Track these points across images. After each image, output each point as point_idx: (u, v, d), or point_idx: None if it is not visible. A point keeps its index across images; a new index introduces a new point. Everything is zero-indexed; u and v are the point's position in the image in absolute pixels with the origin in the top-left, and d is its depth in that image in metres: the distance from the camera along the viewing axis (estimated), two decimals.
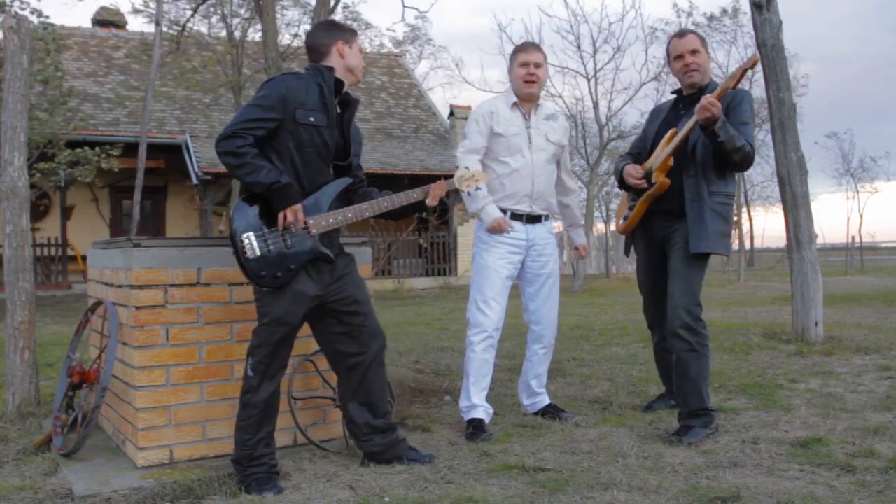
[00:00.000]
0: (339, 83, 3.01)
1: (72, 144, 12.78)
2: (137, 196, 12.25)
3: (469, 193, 3.49)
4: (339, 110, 3.05)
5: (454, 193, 3.34)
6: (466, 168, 3.39)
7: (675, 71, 3.70)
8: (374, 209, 3.07)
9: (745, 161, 3.46)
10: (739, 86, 3.53)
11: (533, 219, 3.81)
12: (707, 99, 3.26)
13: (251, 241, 2.83)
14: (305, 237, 2.90)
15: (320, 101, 2.94)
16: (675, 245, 3.56)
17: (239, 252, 2.83)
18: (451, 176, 3.29)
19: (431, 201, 3.17)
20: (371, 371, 3.09)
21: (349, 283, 3.05)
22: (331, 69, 3.01)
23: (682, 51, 3.60)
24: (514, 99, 3.81)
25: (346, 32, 3.07)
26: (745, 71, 3.34)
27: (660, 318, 3.88)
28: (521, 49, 3.81)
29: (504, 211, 3.77)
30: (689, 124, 3.44)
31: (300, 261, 2.88)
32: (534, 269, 3.84)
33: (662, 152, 3.56)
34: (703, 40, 3.65)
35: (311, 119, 2.90)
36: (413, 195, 3.15)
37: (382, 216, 3.17)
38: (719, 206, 3.50)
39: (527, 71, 3.73)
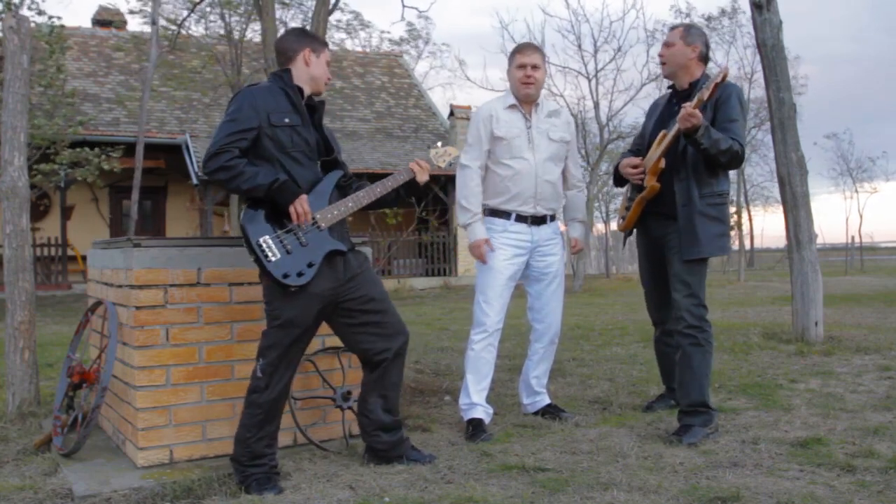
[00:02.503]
0: (299, 89, 3.02)
1: (72, 145, 12.78)
2: (135, 196, 12.25)
3: (447, 166, 3.52)
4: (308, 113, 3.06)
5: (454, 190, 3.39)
6: (438, 144, 3.45)
7: None
8: (370, 196, 3.11)
9: (734, 161, 3.45)
10: (718, 80, 3.55)
11: (538, 220, 3.81)
12: (686, 110, 3.28)
13: (269, 244, 2.84)
14: (316, 232, 2.92)
15: (289, 103, 2.97)
16: (672, 248, 3.57)
17: (260, 257, 2.83)
18: (451, 176, 3.34)
19: (421, 176, 3.21)
20: (392, 367, 3.10)
21: (364, 282, 3.06)
22: (288, 71, 3.03)
23: (663, 44, 3.71)
24: (512, 101, 3.81)
25: (315, 42, 3.09)
26: (717, 85, 3.35)
27: (661, 313, 3.89)
28: (518, 51, 3.81)
29: (509, 213, 3.78)
30: (674, 129, 3.45)
31: (318, 255, 2.89)
32: (539, 269, 3.85)
33: (653, 155, 3.58)
34: (683, 33, 3.64)
35: (287, 120, 2.92)
36: (400, 177, 3.20)
37: (380, 204, 3.20)
38: (711, 207, 3.50)
39: (524, 73, 3.73)
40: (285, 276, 2.82)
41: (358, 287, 3.03)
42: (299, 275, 2.84)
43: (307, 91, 3.06)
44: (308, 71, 3.04)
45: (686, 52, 3.61)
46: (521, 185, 3.75)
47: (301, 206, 2.85)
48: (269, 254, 2.83)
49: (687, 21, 19.61)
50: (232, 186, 2.85)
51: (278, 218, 2.88)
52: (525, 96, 3.77)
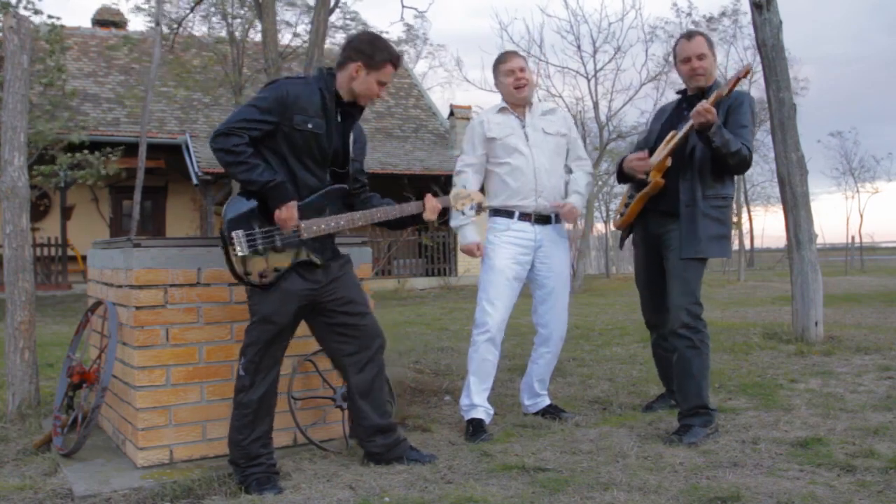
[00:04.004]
0: (338, 95, 2.99)
1: (72, 145, 12.78)
2: (137, 196, 12.26)
3: (463, 213, 3.49)
4: (339, 119, 3.02)
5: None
6: (464, 187, 3.46)
7: (681, 73, 3.71)
8: (367, 219, 3.07)
9: (742, 165, 3.46)
10: (738, 88, 3.55)
11: (542, 219, 3.82)
12: (703, 105, 3.28)
13: (240, 239, 2.83)
14: (296, 240, 2.90)
15: (321, 108, 2.93)
16: (671, 246, 3.56)
17: (227, 248, 2.83)
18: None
19: (429, 215, 3.17)
20: (369, 370, 3.09)
21: (344, 285, 3.05)
22: (333, 75, 3.00)
23: (690, 54, 3.61)
24: (503, 105, 3.87)
25: (375, 58, 2.94)
26: (738, 80, 3.37)
27: (657, 317, 3.88)
28: (501, 60, 3.86)
29: (511, 212, 3.79)
30: (685, 127, 3.46)
31: (288, 262, 2.88)
32: (542, 272, 3.85)
33: (660, 153, 3.58)
34: (710, 43, 3.66)
35: (310, 126, 2.89)
36: (407, 209, 3.15)
37: (383, 225, 3.18)
38: (714, 209, 3.51)
39: (514, 78, 3.79)
40: (247, 273, 2.83)
41: (338, 289, 3.03)
42: (261, 276, 2.84)
43: (347, 98, 3.01)
44: (351, 85, 2.97)
45: (714, 64, 3.64)
46: (520, 180, 3.77)
47: (287, 212, 2.83)
48: (238, 248, 2.82)
49: (688, 21, 19.65)
50: (230, 171, 2.85)
51: (264, 215, 2.87)
52: (521, 100, 3.82)
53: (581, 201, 3.90)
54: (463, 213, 3.47)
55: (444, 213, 3.29)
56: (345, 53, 2.99)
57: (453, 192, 3.35)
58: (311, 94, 2.92)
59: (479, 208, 3.30)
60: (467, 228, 3.81)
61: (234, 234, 2.83)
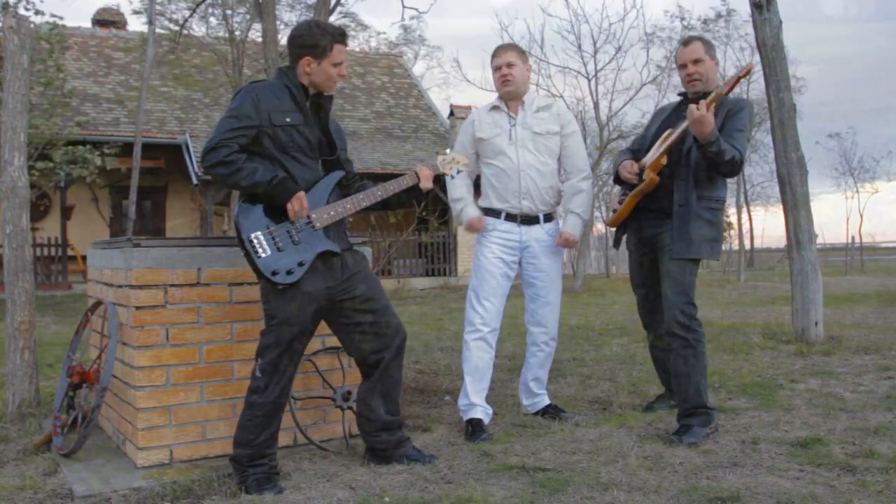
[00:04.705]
0: (304, 87, 2.99)
1: (71, 144, 12.76)
2: (133, 196, 12.26)
3: (452, 177, 3.55)
4: (312, 111, 3.03)
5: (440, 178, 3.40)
6: (447, 152, 3.46)
7: (681, 78, 3.72)
8: (370, 198, 3.10)
9: (733, 171, 3.49)
10: (736, 94, 3.56)
11: (528, 220, 3.81)
12: (700, 114, 3.26)
13: (260, 240, 2.83)
14: (311, 231, 2.91)
15: (292, 101, 2.94)
16: (665, 246, 3.57)
17: (250, 253, 2.83)
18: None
19: (425, 183, 3.20)
20: (391, 367, 3.10)
21: (361, 281, 3.05)
22: (293, 69, 2.99)
23: (686, 60, 3.62)
24: (496, 103, 3.88)
25: (318, 46, 2.93)
26: (738, 79, 3.40)
27: (652, 317, 3.89)
28: (493, 55, 3.87)
29: (499, 212, 3.79)
30: (681, 126, 3.46)
31: (310, 255, 2.88)
32: (530, 272, 3.85)
33: (656, 150, 3.59)
34: (708, 47, 3.65)
35: (288, 119, 2.90)
36: (403, 182, 3.18)
37: (381, 206, 3.19)
38: (707, 211, 3.52)
39: (500, 73, 3.80)
40: (274, 273, 2.82)
41: (355, 286, 3.03)
42: (289, 273, 2.83)
43: (312, 90, 3.02)
44: (310, 79, 2.98)
45: (714, 68, 3.64)
46: (504, 182, 3.79)
47: (298, 203, 2.85)
48: (260, 250, 2.82)
49: (682, 25, 19.64)
50: (231, 182, 2.85)
51: (273, 215, 2.88)
52: (506, 94, 3.83)
53: (577, 223, 3.85)
54: (452, 177, 3.54)
55: (438, 181, 3.33)
56: (291, 53, 3.00)
57: (439, 158, 3.40)
58: (279, 91, 2.94)
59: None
60: (467, 208, 3.88)
61: (252, 236, 2.83)
